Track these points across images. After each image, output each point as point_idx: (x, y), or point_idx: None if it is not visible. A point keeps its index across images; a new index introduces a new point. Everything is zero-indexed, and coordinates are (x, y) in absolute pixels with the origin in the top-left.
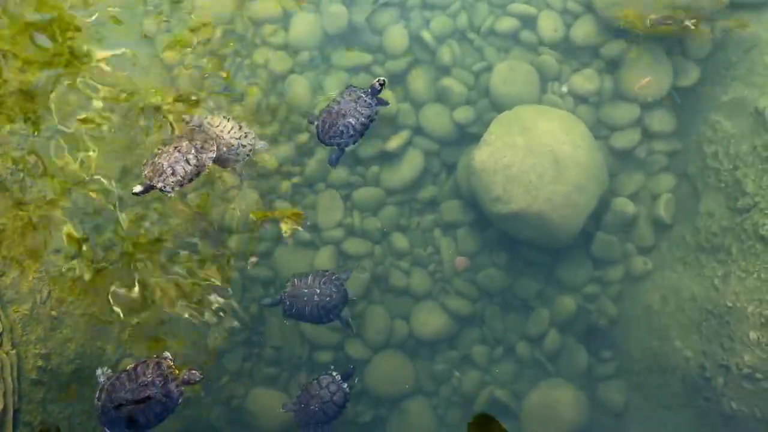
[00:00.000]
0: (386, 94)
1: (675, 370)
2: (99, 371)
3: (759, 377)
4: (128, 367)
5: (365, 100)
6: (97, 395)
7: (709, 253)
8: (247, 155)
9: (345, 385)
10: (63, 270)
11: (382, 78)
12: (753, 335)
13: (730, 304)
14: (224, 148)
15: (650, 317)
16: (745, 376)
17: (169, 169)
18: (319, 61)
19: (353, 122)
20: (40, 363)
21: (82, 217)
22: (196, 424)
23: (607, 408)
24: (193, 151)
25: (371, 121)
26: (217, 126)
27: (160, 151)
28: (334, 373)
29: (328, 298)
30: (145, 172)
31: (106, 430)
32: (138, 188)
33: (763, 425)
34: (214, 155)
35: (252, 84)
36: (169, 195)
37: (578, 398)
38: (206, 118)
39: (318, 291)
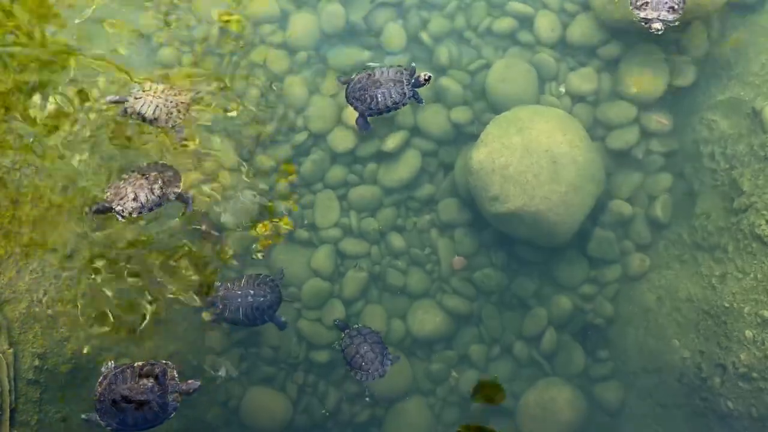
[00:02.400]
0: None
1: (672, 370)
2: (104, 367)
3: (755, 376)
4: (136, 364)
5: (403, 87)
6: (99, 380)
7: (706, 252)
8: (187, 110)
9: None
10: (60, 269)
11: (428, 74)
12: (749, 334)
13: (726, 305)
14: (163, 108)
15: (647, 317)
16: (742, 376)
17: (131, 193)
18: (316, 60)
19: (380, 98)
20: (36, 362)
21: (78, 216)
22: (194, 424)
23: (603, 407)
24: (159, 182)
25: (396, 107)
26: (150, 90)
27: (127, 177)
28: None
29: (261, 299)
30: (107, 193)
31: (97, 417)
32: (93, 206)
33: (759, 425)
34: (180, 190)
35: (250, 83)
36: (120, 219)
37: (575, 397)
38: (134, 89)
39: (252, 292)
